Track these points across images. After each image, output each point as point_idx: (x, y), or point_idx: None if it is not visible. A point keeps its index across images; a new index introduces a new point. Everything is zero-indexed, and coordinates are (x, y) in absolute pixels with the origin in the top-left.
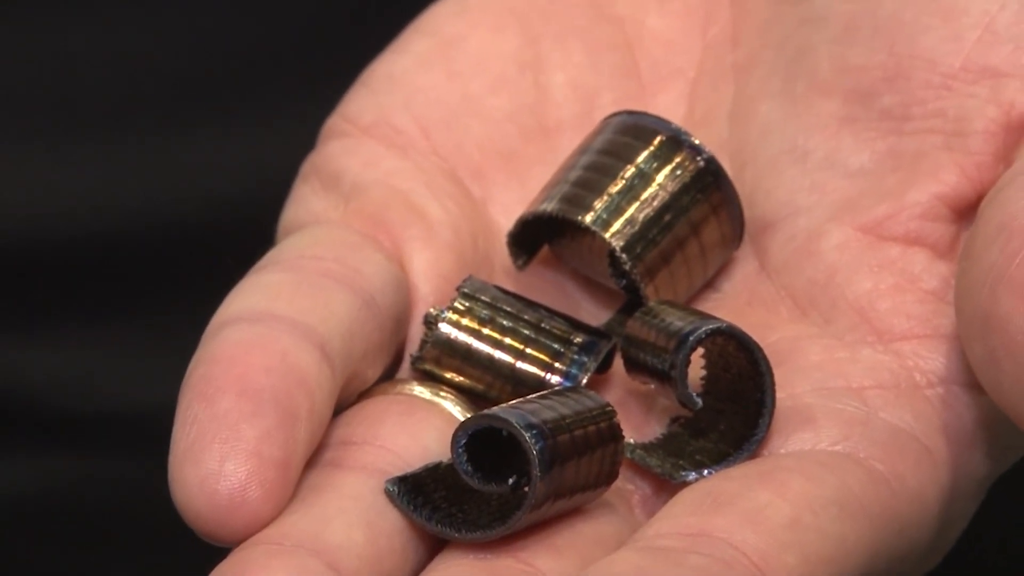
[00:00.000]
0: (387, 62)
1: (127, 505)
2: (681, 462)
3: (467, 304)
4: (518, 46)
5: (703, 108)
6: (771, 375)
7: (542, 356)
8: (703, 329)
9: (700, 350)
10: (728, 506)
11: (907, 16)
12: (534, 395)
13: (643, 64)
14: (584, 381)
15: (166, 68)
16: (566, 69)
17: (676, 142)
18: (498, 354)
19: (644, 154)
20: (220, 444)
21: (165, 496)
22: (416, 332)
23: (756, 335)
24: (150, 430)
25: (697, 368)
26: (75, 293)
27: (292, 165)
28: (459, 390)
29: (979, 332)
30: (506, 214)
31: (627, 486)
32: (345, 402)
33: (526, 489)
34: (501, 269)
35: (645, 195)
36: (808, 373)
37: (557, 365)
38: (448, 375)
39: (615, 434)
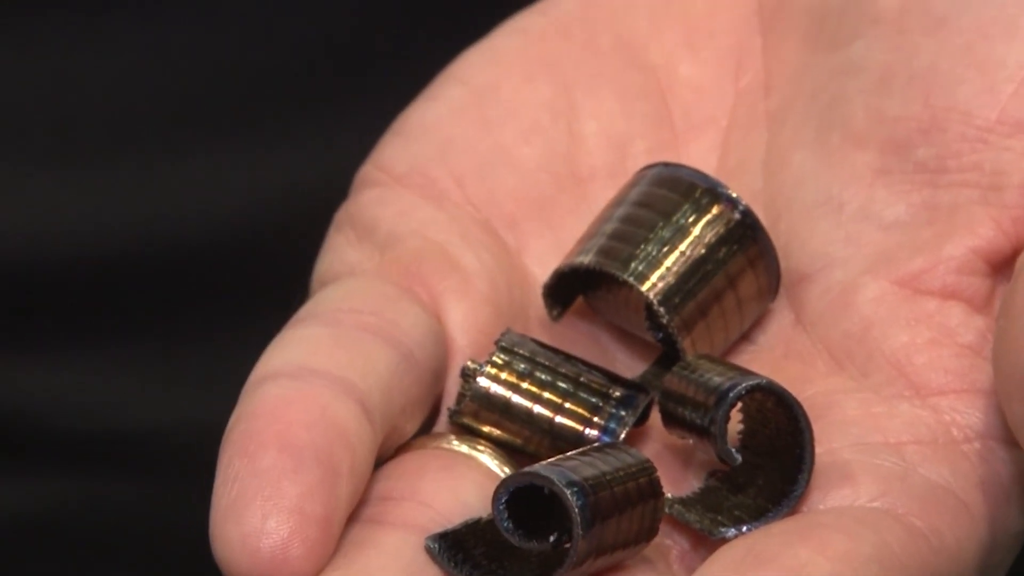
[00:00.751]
0: (420, 110)
1: (129, 526)
2: (720, 518)
3: (505, 358)
4: (551, 95)
5: (736, 157)
6: (810, 431)
7: (581, 410)
8: (743, 385)
9: (738, 405)
10: (769, 563)
11: (943, 68)
12: (574, 451)
13: (676, 112)
14: (623, 435)
15: (166, 91)
16: (599, 117)
17: (713, 195)
18: (537, 408)
19: (681, 207)
20: (262, 501)
21: (166, 517)
22: (453, 385)
23: (793, 388)
24: (152, 451)
25: (735, 423)
26: (76, 314)
27: (291, 187)
28: (497, 444)
29: (1019, 390)
30: (540, 263)
31: (665, 541)
32: (383, 456)
33: (567, 546)
34: (536, 320)
35: (682, 248)
36: (846, 428)
37: (596, 419)
38: (486, 429)
39: (655, 490)
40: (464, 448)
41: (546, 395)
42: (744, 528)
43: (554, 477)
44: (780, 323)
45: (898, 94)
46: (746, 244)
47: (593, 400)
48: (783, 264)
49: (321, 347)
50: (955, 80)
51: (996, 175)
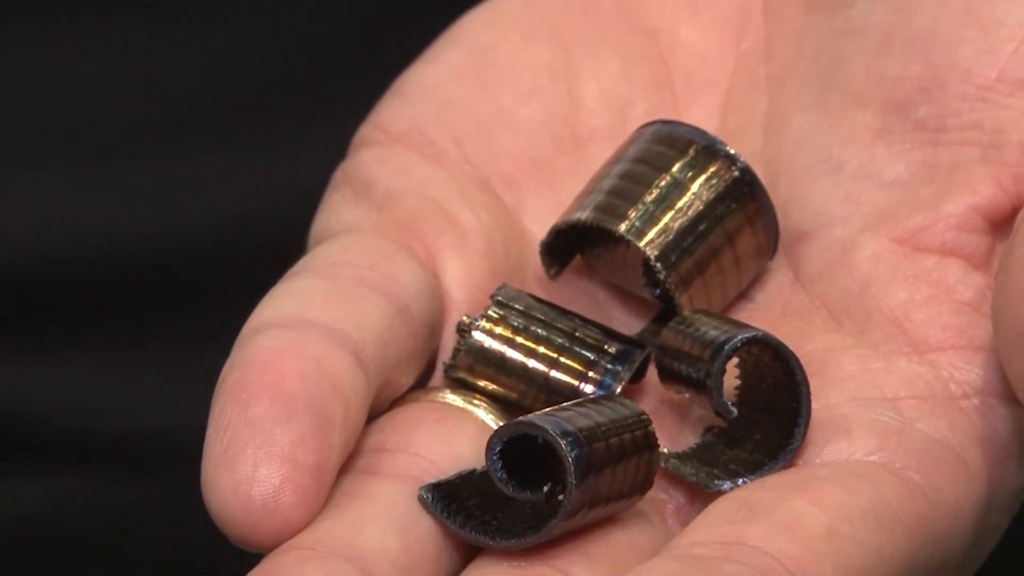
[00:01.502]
0: (419, 71)
1: (131, 527)
2: (715, 471)
3: (501, 312)
4: (550, 56)
5: (736, 119)
6: (807, 385)
7: (576, 365)
8: (739, 338)
9: (735, 360)
10: (764, 515)
11: (942, 28)
12: (569, 403)
13: (676, 75)
14: (618, 390)
15: (173, 92)
16: (599, 79)
17: (711, 152)
18: (532, 363)
19: (679, 164)
20: (254, 449)
21: (175, 517)
22: (449, 340)
23: (791, 345)
24: (160, 452)
25: (732, 378)
26: (81, 315)
27: (302, 187)
28: (492, 398)
29: (1017, 346)
30: (538, 223)
31: (661, 495)
32: (378, 409)
33: (560, 497)
34: (533, 278)
35: (680, 205)
36: (843, 383)
37: (591, 374)
38: (481, 383)
39: (650, 443)
40: (459, 402)
41: (541, 350)
42: (740, 481)
43: (548, 427)
44: (778, 281)
45: (898, 54)
46: (744, 201)
47: (589, 355)
48: (782, 223)
49: (316, 299)
50: (955, 40)
51: (996, 133)
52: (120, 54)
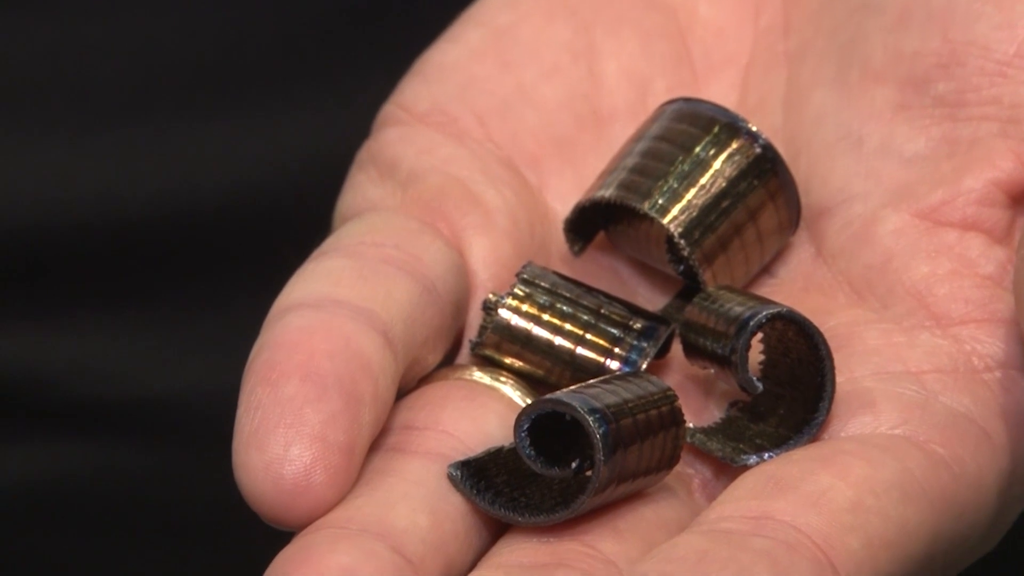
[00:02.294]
0: (440, 51)
1: (145, 492)
2: (741, 446)
3: (527, 290)
4: (570, 35)
5: (756, 96)
6: (831, 359)
7: (601, 342)
8: (764, 314)
9: (759, 335)
10: (790, 489)
11: (960, 4)
12: (596, 380)
13: (695, 52)
14: (644, 366)
15: (185, 57)
16: (619, 57)
17: (733, 128)
18: (558, 340)
19: (701, 141)
20: (285, 429)
21: (181, 482)
22: (475, 318)
23: (814, 320)
24: (168, 417)
25: (756, 353)
26: (94, 281)
27: (309, 152)
28: (518, 375)
29: None
30: (561, 201)
31: (687, 470)
32: (405, 388)
33: (588, 473)
34: (557, 256)
35: (702, 181)
36: (866, 358)
37: (616, 351)
38: (508, 360)
39: (677, 418)
40: (486, 379)
41: (567, 327)
42: (766, 455)
43: (576, 404)
44: (800, 256)
45: (916, 30)
46: (766, 177)
47: (614, 332)
48: (804, 199)
49: (343, 278)
50: (973, 15)
51: (1015, 108)
52: (127, 18)
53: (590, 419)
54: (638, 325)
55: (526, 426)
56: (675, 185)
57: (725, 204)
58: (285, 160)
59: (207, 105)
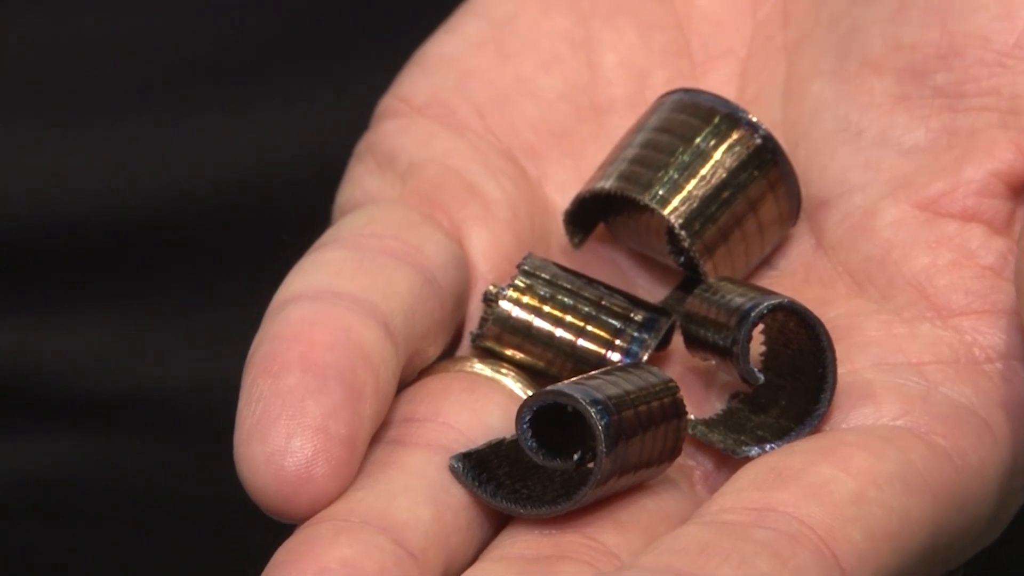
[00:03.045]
0: (439, 43)
1: (142, 485)
2: (743, 437)
3: (527, 282)
4: (569, 26)
5: (755, 87)
6: (832, 350)
7: (602, 333)
8: (765, 304)
9: (760, 326)
10: (792, 481)
11: None
12: (597, 371)
13: (694, 43)
14: (645, 358)
15: (180, 50)
16: (618, 49)
17: (733, 119)
18: (559, 331)
19: (702, 131)
20: (287, 421)
21: (180, 475)
22: (475, 310)
23: (815, 311)
24: (164, 411)
25: (757, 344)
26: (90, 274)
27: (306, 145)
28: (519, 367)
29: None
30: (561, 193)
31: (688, 462)
32: (406, 380)
33: (590, 465)
34: (557, 248)
35: (703, 172)
36: (867, 349)
37: (617, 342)
38: (508, 352)
39: (678, 410)
40: (487, 371)
41: (568, 318)
42: (767, 447)
43: (578, 395)
44: (801, 248)
45: (915, 21)
46: (766, 168)
47: (615, 323)
48: (803, 191)
49: (344, 270)
50: (972, 6)
51: (1014, 99)
52: (123, 11)
53: (592, 410)
54: (639, 317)
55: (528, 418)
56: (675, 176)
57: (726, 195)
58: (284, 153)
59: (204, 98)
